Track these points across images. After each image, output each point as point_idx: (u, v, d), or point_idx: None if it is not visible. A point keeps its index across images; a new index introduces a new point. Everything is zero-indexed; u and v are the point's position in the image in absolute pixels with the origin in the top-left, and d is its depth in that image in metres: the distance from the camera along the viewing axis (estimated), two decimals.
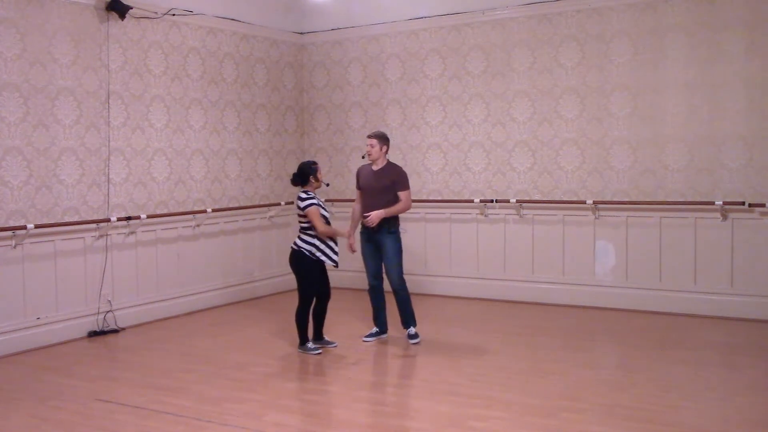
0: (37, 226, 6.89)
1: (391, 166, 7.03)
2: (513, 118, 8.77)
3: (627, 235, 8.25)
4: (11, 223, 6.77)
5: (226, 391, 5.61)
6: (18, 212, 6.83)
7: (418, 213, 9.20)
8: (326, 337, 6.95)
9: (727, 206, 7.69)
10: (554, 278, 8.64)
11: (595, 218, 8.37)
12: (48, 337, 7.06)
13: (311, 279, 6.63)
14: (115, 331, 7.55)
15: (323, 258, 6.60)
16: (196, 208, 8.59)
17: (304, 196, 6.58)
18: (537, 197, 8.68)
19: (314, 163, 6.79)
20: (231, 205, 9.09)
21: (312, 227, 6.55)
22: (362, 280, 8.86)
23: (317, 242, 6.58)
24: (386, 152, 7.02)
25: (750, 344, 6.79)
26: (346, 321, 7.86)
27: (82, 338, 7.33)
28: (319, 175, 6.71)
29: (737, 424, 4.81)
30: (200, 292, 8.67)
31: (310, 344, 6.71)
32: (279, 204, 9.72)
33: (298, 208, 6.61)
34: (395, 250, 6.91)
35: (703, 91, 7.81)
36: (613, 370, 6.15)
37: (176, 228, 8.39)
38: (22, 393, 5.64)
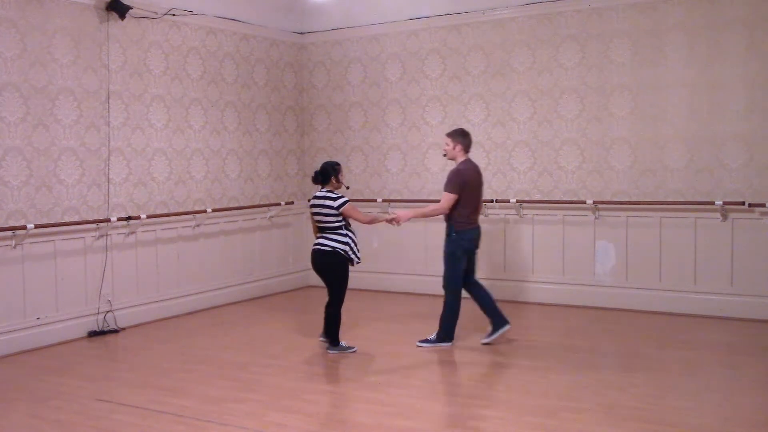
0: (37, 226, 6.89)
1: (456, 166, 6.79)
2: (513, 118, 8.77)
3: (627, 235, 8.25)
4: (11, 223, 6.76)
5: (226, 391, 5.61)
6: (18, 212, 6.83)
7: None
8: (343, 343, 6.84)
9: (727, 206, 7.69)
10: (554, 278, 8.64)
11: (595, 218, 8.37)
12: (48, 337, 7.06)
13: (347, 277, 6.66)
14: (115, 331, 7.55)
15: (353, 256, 6.61)
16: (196, 208, 8.59)
17: (333, 195, 6.56)
18: (537, 197, 8.68)
19: (337, 164, 6.78)
20: (231, 205, 9.09)
21: (342, 226, 6.56)
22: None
23: (350, 241, 6.59)
24: (461, 150, 6.75)
25: (750, 344, 6.79)
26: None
27: (82, 338, 7.33)
28: (340, 177, 6.71)
29: (737, 424, 4.81)
30: (200, 292, 8.67)
31: (343, 343, 6.74)
32: (279, 204, 9.72)
33: (327, 207, 6.54)
34: (446, 254, 6.77)
35: (703, 91, 7.81)
36: (613, 370, 6.15)
37: (176, 228, 8.39)
38: (22, 393, 5.64)
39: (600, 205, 8.32)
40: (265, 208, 9.58)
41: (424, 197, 9.34)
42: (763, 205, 7.56)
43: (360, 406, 5.33)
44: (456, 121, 9.11)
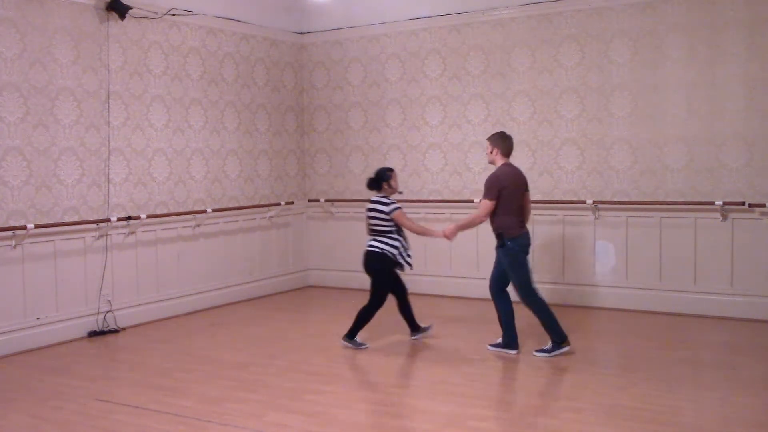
0: (37, 226, 6.89)
1: (494, 171, 6.57)
2: (513, 118, 8.77)
3: (627, 235, 8.25)
4: (11, 223, 6.76)
5: (226, 391, 5.61)
6: (18, 212, 6.83)
7: (419, 213, 9.19)
8: (422, 325, 7.11)
9: (727, 206, 7.69)
10: (553, 278, 8.64)
11: (595, 218, 8.37)
12: (48, 337, 7.06)
13: (390, 280, 6.79)
14: (115, 331, 7.55)
15: (401, 261, 6.73)
16: (196, 208, 8.59)
17: (387, 201, 6.73)
18: (537, 197, 8.66)
19: (390, 170, 6.90)
20: (231, 205, 9.09)
21: (394, 231, 6.69)
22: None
23: (399, 246, 6.71)
24: (499, 154, 6.51)
25: (750, 344, 6.79)
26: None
27: (82, 338, 7.33)
28: (392, 182, 6.81)
29: (737, 424, 4.81)
30: (200, 292, 8.67)
31: (358, 339, 6.84)
32: (279, 204, 9.72)
33: (379, 212, 6.71)
34: (510, 266, 6.47)
35: (703, 91, 7.81)
36: (613, 370, 6.15)
37: (176, 228, 8.39)
38: (22, 393, 5.64)
39: (600, 205, 8.32)
40: (265, 208, 9.58)
41: (425, 197, 9.35)
42: (763, 205, 7.56)
43: (360, 406, 5.33)
44: (456, 121, 9.12)
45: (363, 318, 6.81)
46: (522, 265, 6.49)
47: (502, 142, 6.56)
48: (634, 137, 8.15)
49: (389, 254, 6.69)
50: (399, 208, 6.71)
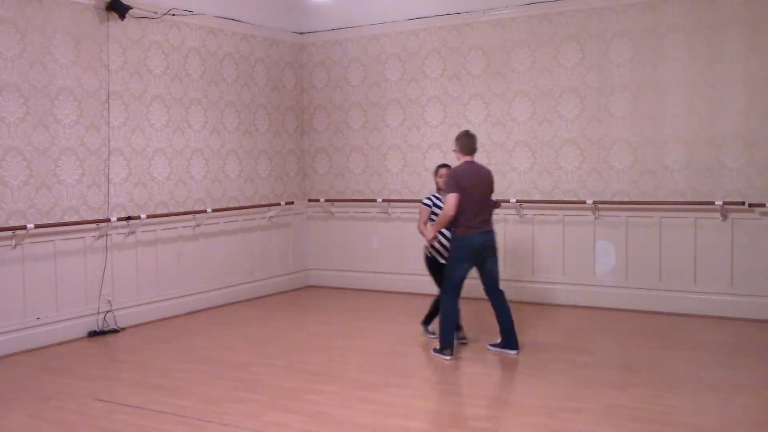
0: (37, 226, 6.89)
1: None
2: (513, 118, 8.77)
3: (627, 235, 8.25)
4: (11, 223, 6.76)
5: (226, 391, 5.61)
6: (18, 212, 6.83)
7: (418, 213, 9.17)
8: (429, 328, 7.18)
9: (727, 206, 7.69)
10: (554, 278, 8.64)
11: (595, 218, 8.37)
12: (48, 337, 7.06)
13: (438, 273, 6.84)
14: (115, 331, 7.55)
15: (436, 255, 6.84)
16: (196, 208, 8.59)
17: (428, 195, 7.01)
18: (537, 197, 8.68)
19: (441, 166, 6.98)
20: (231, 205, 9.09)
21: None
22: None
23: (435, 242, 6.81)
24: (459, 152, 6.56)
25: (750, 344, 6.79)
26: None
27: (82, 338, 7.33)
28: (437, 177, 6.92)
29: (737, 424, 4.81)
30: (200, 292, 8.67)
31: (430, 327, 7.10)
32: (279, 204, 9.72)
33: None
34: (448, 258, 6.58)
35: (703, 91, 7.81)
36: (613, 370, 6.15)
37: (176, 228, 8.39)
38: (22, 393, 5.64)
39: (600, 205, 8.32)
40: (265, 208, 9.58)
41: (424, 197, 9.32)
42: (763, 205, 7.56)
43: (360, 406, 5.33)
44: (456, 121, 9.12)
45: (435, 307, 6.91)
46: (455, 264, 6.47)
47: (462, 140, 6.61)
48: (634, 137, 8.16)
49: (425, 247, 6.90)
50: (425, 204, 6.88)
